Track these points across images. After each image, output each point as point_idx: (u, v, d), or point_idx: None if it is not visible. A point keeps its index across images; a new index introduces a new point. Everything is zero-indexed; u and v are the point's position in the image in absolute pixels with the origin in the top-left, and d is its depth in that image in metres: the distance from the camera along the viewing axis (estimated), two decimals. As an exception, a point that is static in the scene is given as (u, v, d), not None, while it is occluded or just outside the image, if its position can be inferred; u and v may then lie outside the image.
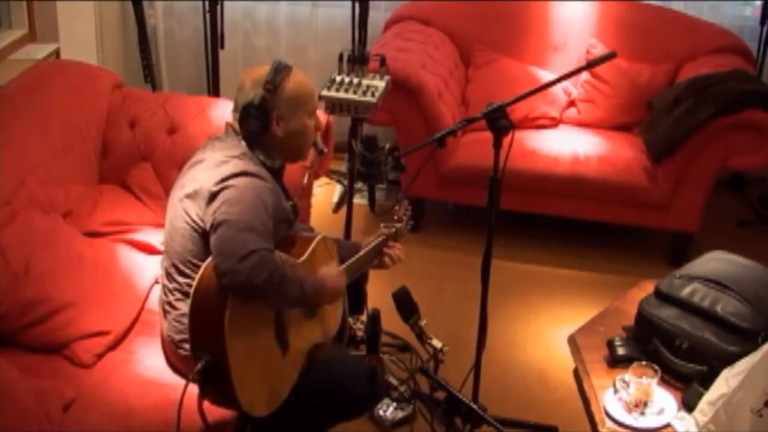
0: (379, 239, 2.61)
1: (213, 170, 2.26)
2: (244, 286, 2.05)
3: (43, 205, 2.68)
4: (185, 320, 2.26)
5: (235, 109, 2.39)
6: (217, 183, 2.21)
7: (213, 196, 2.20)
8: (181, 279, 2.31)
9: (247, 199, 2.17)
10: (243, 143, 2.36)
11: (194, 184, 2.27)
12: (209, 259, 2.14)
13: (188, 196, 2.28)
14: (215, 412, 2.23)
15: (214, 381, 2.12)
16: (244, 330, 2.13)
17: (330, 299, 2.40)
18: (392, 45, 4.15)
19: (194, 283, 2.14)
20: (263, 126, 2.33)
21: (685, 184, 3.84)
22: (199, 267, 2.19)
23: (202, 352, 2.11)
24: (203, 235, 2.23)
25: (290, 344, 2.27)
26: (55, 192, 2.78)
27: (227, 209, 2.15)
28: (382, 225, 2.69)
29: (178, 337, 2.32)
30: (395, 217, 2.75)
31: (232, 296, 2.08)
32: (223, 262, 2.06)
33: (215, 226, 2.14)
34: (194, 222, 2.26)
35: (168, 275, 2.36)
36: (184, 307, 2.27)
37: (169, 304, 2.35)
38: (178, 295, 2.32)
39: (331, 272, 2.36)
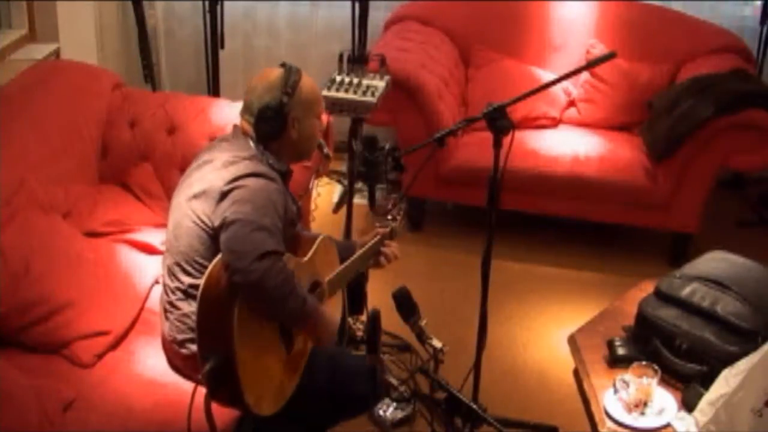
0: (375, 239, 2.61)
1: (223, 170, 2.25)
2: (256, 285, 2.04)
3: (43, 205, 2.68)
4: (187, 320, 2.26)
5: (245, 112, 2.37)
6: (229, 182, 2.20)
7: (224, 195, 2.19)
8: (184, 278, 2.30)
9: (258, 200, 2.16)
10: (252, 145, 2.34)
11: (203, 184, 2.26)
12: (216, 259, 2.13)
13: (196, 196, 2.26)
14: (218, 415, 2.22)
15: (222, 382, 2.12)
16: (251, 330, 2.12)
17: (318, 330, 2.25)
18: (392, 45, 4.15)
19: (201, 285, 2.12)
20: (280, 129, 2.33)
21: (685, 184, 3.83)
22: (204, 267, 2.18)
23: (210, 353, 2.10)
24: (211, 234, 2.22)
25: (294, 343, 2.27)
26: (55, 192, 2.77)
27: (239, 208, 2.13)
28: (376, 224, 2.68)
29: (180, 336, 2.31)
30: (389, 217, 2.74)
31: (241, 296, 2.07)
32: (237, 260, 2.04)
33: (227, 225, 2.12)
34: (202, 222, 2.24)
35: (171, 274, 2.34)
36: (186, 306, 2.27)
37: (171, 303, 2.34)
38: (180, 295, 2.31)
39: (333, 314, 2.31)
